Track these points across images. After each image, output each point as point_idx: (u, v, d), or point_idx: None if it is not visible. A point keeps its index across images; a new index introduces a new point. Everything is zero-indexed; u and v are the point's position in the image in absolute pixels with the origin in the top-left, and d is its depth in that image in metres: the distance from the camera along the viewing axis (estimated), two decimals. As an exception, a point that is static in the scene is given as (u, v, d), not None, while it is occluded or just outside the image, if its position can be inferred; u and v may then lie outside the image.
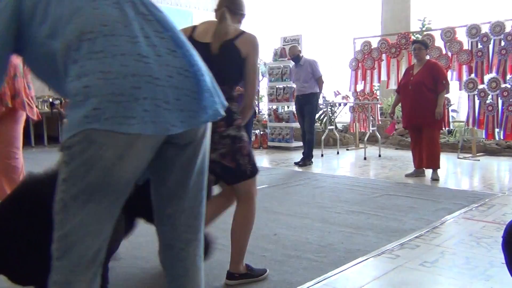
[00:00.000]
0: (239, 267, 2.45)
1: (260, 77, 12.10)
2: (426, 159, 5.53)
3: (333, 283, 2.47)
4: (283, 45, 9.16)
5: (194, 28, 2.34)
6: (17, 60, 3.73)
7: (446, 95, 5.93)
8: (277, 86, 9.00)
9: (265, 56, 12.36)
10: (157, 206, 1.42)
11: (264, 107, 12.37)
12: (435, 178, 5.46)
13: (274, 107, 9.37)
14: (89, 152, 1.14)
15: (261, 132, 9.48)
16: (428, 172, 5.65)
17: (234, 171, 2.33)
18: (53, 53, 1.21)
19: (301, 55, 7.10)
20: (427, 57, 6.03)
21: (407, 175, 5.76)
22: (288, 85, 8.62)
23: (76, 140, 1.14)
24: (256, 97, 12.19)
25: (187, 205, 1.40)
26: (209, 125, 1.39)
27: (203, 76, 1.28)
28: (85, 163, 1.15)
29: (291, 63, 7.98)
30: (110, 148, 1.14)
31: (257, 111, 12.75)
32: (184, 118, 1.23)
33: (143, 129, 1.14)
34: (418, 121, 5.53)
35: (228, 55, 2.24)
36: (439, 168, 5.55)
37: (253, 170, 2.39)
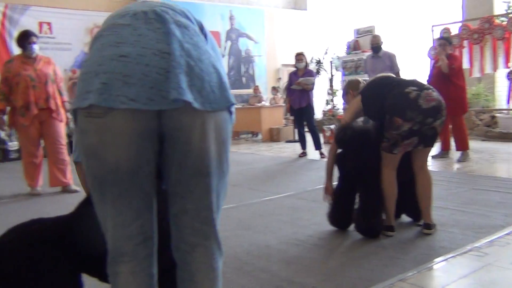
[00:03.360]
0: (432, 218, 3.12)
1: (334, 71, 11.92)
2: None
3: (416, 281, 2.37)
4: (357, 37, 8.95)
5: None
6: (48, 69, 4.69)
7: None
8: (351, 80, 8.83)
9: (338, 50, 12.16)
10: (169, 204, 1.37)
11: (339, 101, 12.16)
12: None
13: (349, 101, 9.17)
14: (83, 142, 1.24)
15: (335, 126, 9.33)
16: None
17: (436, 137, 3.06)
18: None
19: (381, 46, 6.96)
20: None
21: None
22: (363, 78, 8.41)
23: (76, 133, 1.27)
24: (331, 92, 12.01)
25: (190, 207, 1.32)
26: (212, 121, 1.27)
27: (181, 59, 1.22)
28: (84, 154, 1.25)
29: (365, 56, 7.78)
30: (92, 134, 1.20)
31: (332, 105, 12.58)
32: (153, 96, 1.18)
33: (95, 100, 1.16)
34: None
35: None
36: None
37: None
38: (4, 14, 9.05)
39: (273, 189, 4.90)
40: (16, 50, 8.71)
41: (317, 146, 7.21)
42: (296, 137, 9.87)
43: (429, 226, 3.09)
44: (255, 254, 2.85)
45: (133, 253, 1.27)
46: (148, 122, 1.20)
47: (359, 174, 3.10)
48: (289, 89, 7.39)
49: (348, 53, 9.03)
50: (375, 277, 2.42)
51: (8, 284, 1.32)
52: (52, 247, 1.37)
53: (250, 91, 12.66)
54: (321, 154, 7.15)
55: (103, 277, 1.55)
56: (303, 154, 7.41)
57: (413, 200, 3.21)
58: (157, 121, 1.22)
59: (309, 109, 7.24)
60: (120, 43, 1.22)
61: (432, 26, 8.79)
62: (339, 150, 3.22)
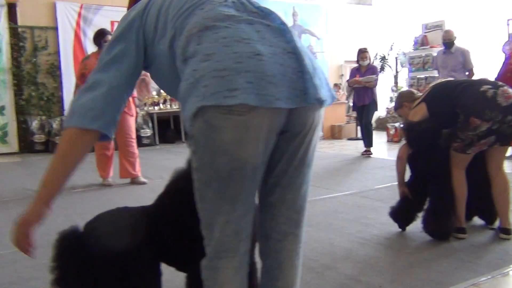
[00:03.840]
0: (510, 223, 2.96)
1: (399, 67, 11.58)
2: None
3: (489, 286, 2.27)
4: (425, 32, 8.64)
5: None
6: None
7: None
8: (418, 76, 8.53)
9: (404, 45, 11.80)
10: (261, 194, 1.40)
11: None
12: None
13: (415, 98, 8.89)
14: (211, 138, 1.18)
15: (401, 125, 9.07)
16: None
17: None
18: (173, 60, 1.32)
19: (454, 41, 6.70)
20: None
21: None
22: (431, 75, 8.11)
23: (197, 127, 1.19)
24: (395, 89, 11.66)
25: (288, 196, 1.37)
26: (321, 115, 1.34)
27: (306, 58, 1.25)
28: (209, 150, 1.19)
29: (434, 52, 7.49)
30: (228, 131, 1.16)
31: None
32: (290, 94, 1.20)
33: (246, 99, 1.13)
34: None
35: None
36: None
37: None
38: (79, 14, 9.57)
39: (336, 186, 4.85)
40: (90, 48, 9.21)
41: (367, 143, 7.14)
42: (359, 135, 9.71)
43: (507, 231, 2.93)
44: (319, 251, 2.84)
45: (237, 249, 1.29)
46: (280, 119, 1.23)
47: (430, 173, 3.00)
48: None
49: (415, 48, 8.73)
50: (445, 280, 2.34)
51: (93, 267, 1.41)
52: (136, 235, 1.45)
53: (311, 87, 12.57)
54: (367, 151, 7.11)
55: (180, 267, 1.61)
56: (367, 152, 7.28)
57: (486, 202, 3.07)
58: (286, 117, 1.24)
59: (372, 106, 7.11)
60: (247, 40, 1.20)
61: (508, 20, 8.31)
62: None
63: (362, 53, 7.19)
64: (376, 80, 7.02)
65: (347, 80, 7.40)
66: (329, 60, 13.32)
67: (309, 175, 1.39)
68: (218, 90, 1.14)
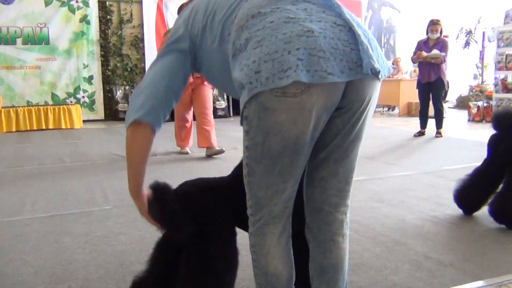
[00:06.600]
0: None
1: (486, 42, 10.87)
2: None
3: None
4: (518, 4, 8.01)
5: None
6: None
7: None
8: (507, 53, 7.99)
9: (493, 19, 11.03)
10: (311, 168, 1.41)
11: (489, 76, 11.11)
12: None
13: (502, 76, 8.34)
14: (264, 119, 1.21)
15: (485, 104, 8.59)
16: None
17: None
18: (225, 56, 1.37)
19: None
20: None
21: None
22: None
23: (252, 110, 1.22)
24: (480, 65, 10.99)
25: (340, 170, 1.38)
26: (377, 89, 1.31)
27: (359, 29, 1.23)
28: (262, 130, 1.23)
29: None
30: (282, 113, 1.18)
31: (481, 80, 11.52)
32: (343, 68, 1.18)
33: (298, 76, 1.13)
34: None
35: None
36: None
37: None
38: (161, -12, 9.91)
39: (410, 165, 4.76)
40: (171, 21, 9.53)
41: (438, 125, 6.74)
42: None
43: None
44: (389, 227, 2.86)
45: (283, 215, 1.37)
46: (336, 96, 1.22)
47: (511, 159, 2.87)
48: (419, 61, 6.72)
49: (506, 22, 8.13)
50: (522, 264, 2.28)
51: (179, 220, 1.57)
52: (219, 200, 1.61)
53: (389, 62, 12.17)
54: (438, 133, 6.74)
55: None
56: (420, 133, 6.91)
57: None
58: (341, 93, 1.24)
59: (439, 83, 6.59)
60: (294, 19, 1.21)
61: None
62: (494, 132, 3.02)
63: (434, 24, 6.60)
64: (445, 56, 6.47)
65: (412, 57, 6.86)
66: (411, 34, 12.77)
67: (360, 148, 1.40)
68: (272, 73, 1.16)
